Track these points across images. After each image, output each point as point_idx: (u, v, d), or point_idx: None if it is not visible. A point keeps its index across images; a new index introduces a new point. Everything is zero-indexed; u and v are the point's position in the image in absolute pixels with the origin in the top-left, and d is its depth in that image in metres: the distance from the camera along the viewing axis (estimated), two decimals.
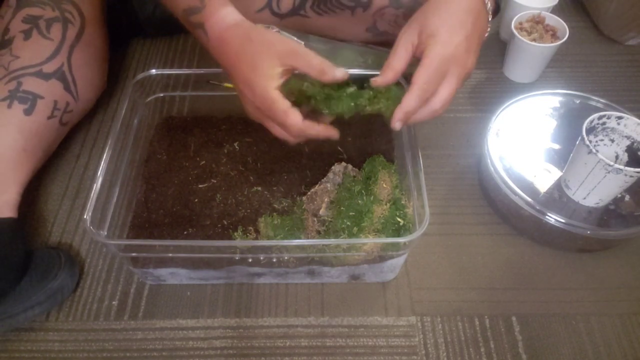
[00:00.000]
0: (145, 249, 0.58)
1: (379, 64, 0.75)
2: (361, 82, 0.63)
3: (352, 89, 0.54)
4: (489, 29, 0.57)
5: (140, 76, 0.68)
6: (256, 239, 0.61)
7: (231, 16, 0.53)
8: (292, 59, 0.50)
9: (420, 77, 0.51)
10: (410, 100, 0.51)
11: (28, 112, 0.64)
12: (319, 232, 0.60)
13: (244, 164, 0.70)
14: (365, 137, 0.72)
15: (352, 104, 0.54)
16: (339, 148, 0.69)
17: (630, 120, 0.61)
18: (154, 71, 0.69)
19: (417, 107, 0.52)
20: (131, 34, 0.93)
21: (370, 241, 0.56)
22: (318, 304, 0.61)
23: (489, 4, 0.55)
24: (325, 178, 0.63)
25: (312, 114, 0.55)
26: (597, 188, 0.61)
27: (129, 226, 0.64)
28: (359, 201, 0.58)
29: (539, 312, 0.61)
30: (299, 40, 0.74)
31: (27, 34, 0.68)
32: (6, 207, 0.59)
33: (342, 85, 0.54)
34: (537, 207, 0.61)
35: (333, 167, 0.64)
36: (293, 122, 0.51)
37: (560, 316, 0.60)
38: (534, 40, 0.80)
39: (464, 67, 0.52)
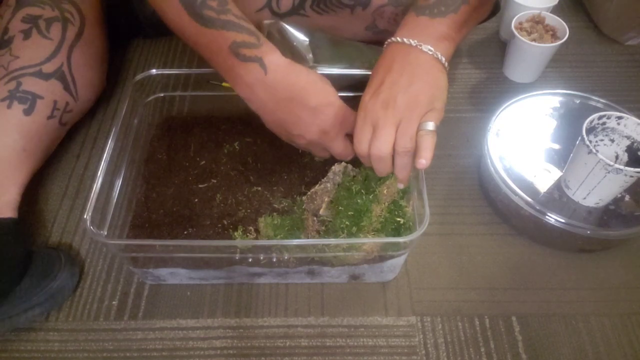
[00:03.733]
0: (145, 249, 0.58)
1: None
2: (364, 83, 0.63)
3: None
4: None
5: (140, 76, 0.68)
6: (256, 239, 0.61)
7: (284, 58, 0.56)
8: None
9: (354, 130, 0.55)
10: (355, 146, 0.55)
11: (28, 112, 0.64)
12: (319, 232, 0.60)
13: (244, 164, 0.70)
14: None
15: None
16: None
17: (630, 120, 0.61)
18: (154, 71, 0.69)
19: (364, 159, 0.55)
20: (131, 34, 0.93)
21: (370, 241, 0.56)
22: (318, 304, 0.61)
23: (444, 61, 0.55)
24: (325, 178, 0.63)
25: None
26: (597, 188, 0.61)
27: (129, 226, 0.64)
28: (358, 200, 0.58)
29: (539, 312, 0.61)
30: (305, 37, 0.74)
31: (26, 34, 0.68)
32: (6, 208, 0.59)
33: None
34: (537, 207, 0.61)
35: (333, 167, 0.64)
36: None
37: (560, 316, 0.60)
38: (534, 40, 0.80)
39: (392, 113, 0.52)
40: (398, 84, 0.53)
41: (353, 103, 0.70)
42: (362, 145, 0.54)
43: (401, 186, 0.57)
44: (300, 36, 0.74)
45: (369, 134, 0.53)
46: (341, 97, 0.70)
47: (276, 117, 0.57)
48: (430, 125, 0.52)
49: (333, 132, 0.57)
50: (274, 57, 0.55)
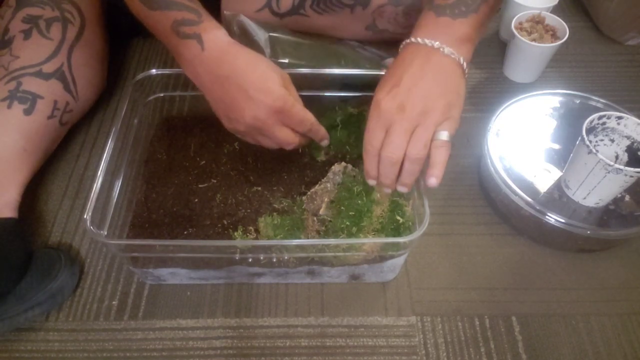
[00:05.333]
0: (145, 249, 0.58)
1: (355, 65, 0.75)
2: (341, 84, 0.64)
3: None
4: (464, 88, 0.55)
5: (140, 76, 0.68)
6: (256, 238, 0.61)
7: (228, 37, 0.55)
8: (288, 87, 0.55)
9: (366, 129, 0.53)
10: (365, 156, 0.54)
11: (28, 112, 0.64)
12: (318, 232, 0.60)
13: (244, 164, 0.70)
14: None
15: None
16: (347, 148, 0.70)
17: (630, 120, 0.61)
18: (154, 71, 0.69)
19: (371, 159, 0.53)
20: (131, 34, 0.93)
21: (370, 241, 0.56)
22: (318, 304, 0.61)
23: (465, 65, 0.54)
24: (325, 178, 0.63)
25: None
26: (597, 188, 0.61)
27: (129, 226, 0.64)
28: (359, 201, 0.58)
29: (539, 312, 0.61)
30: (264, 32, 0.74)
31: (26, 34, 0.68)
32: (7, 208, 0.59)
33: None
34: (537, 207, 0.61)
35: (333, 167, 0.64)
36: (309, 117, 0.57)
37: (560, 316, 0.60)
38: (534, 40, 0.80)
39: (408, 118, 0.51)
40: (417, 87, 0.51)
41: (352, 103, 0.71)
42: (373, 145, 0.52)
43: (404, 190, 0.55)
44: (259, 31, 0.73)
45: (381, 135, 0.52)
46: (334, 96, 0.70)
47: (215, 95, 0.55)
48: (445, 135, 0.51)
49: (269, 121, 0.54)
50: (213, 34, 0.54)
